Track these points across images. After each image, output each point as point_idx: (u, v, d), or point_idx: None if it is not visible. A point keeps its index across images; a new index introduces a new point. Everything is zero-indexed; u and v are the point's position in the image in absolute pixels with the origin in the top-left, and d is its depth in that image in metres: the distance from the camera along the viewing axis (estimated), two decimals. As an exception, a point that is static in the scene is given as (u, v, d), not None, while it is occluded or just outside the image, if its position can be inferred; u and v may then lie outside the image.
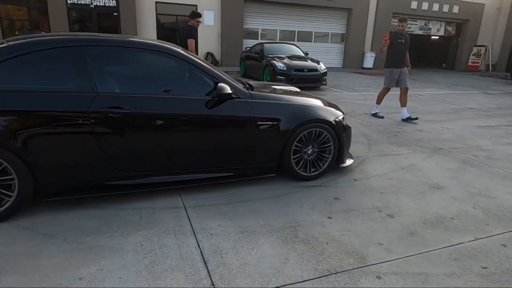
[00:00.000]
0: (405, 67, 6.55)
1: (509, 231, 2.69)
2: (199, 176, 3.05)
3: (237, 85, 3.13)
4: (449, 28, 21.66)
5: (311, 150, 3.44)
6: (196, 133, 2.94)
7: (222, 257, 2.23)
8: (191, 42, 6.04)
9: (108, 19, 14.05)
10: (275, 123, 3.17)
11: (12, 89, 2.44)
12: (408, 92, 6.71)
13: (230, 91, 2.91)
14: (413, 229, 2.67)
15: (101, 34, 2.89)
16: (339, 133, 3.49)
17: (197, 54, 6.06)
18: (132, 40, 2.87)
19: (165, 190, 3.06)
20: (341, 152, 3.59)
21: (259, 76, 11.30)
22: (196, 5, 15.18)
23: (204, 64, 3.04)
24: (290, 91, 3.96)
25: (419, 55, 21.04)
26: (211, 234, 2.48)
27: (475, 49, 21.19)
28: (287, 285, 2.01)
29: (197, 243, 2.36)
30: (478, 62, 21.08)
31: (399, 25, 6.42)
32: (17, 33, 12.42)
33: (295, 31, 17.56)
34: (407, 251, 2.37)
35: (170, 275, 2.05)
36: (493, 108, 8.53)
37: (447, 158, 4.40)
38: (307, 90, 9.83)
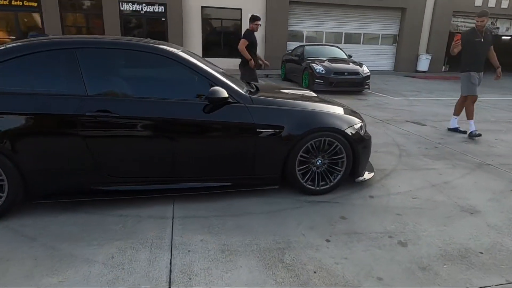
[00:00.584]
0: (483, 72, 5.49)
1: (556, 275, 2.14)
2: (192, 185, 2.87)
3: (237, 88, 2.91)
4: (521, 27, 19.36)
5: (320, 161, 3.10)
6: (190, 139, 2.77)
7: (190, 279, 2.01)
8: (242, 42, 5.91)
9: (156, 24, 14.63)
10: (277, 130, 2.89)
11: (3, 91, 2.47)
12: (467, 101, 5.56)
13: (224, 95, 2.70)
14: (426, 262, 2.23)
15: (94, 36, 2.86)
16: (354, 144, 3.10)
17: (252, 56, 5.92)
18: (124, 41, 2.79)
19: (158, 198, 2.93)
20: (356, 165, 3.20)
21: (298, 80, 10.97)
22: (241, 9, 15.24)
23: (201, 66, 2.86)
24: (304, 95, 3.63)
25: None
26: (189, 251, 2.28)
27: (552, 50, 18.69)
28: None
29: (170, 260, 2.18)
30: (556, 65, 18.54)
31: (477, 21, 5.32)
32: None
33: (342, 33, 16.87)
34: (412, 290, 1.97)
35: (128, 294, 1.88)
36: None
37: (492, 176, 3.76)
38: (347, 95, 9.36)
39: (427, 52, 17.50)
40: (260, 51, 15.95)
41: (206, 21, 15.16)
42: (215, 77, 2.84)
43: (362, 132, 3.24)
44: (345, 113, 3.27)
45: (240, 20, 15.40)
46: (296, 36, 16.38)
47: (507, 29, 19.24)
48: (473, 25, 5.54)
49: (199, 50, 15.29)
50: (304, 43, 15.41)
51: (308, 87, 9.92)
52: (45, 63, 2.56)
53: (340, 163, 3.13)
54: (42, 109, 2.49)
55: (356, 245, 2.39)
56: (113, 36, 3.23)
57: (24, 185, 2.55)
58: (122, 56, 2.75)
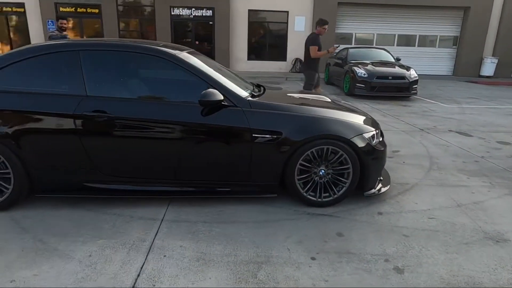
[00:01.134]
0: None
1: None
2: (185, 189, 2.83)
3: (235, 92, 2.81)
4: None
5: (323, 171, 2.88)
6: (184, 141, 2.73)
7: (154, 285, 1.95)
8: (313, 49, 5.88)
9: (204, 28, 15.06)
10: (275, 136, 2.74)
11: (13, 90, 2.64)
12: None
13: (218, 98, 2.61)
14: (421, 295, 1.94)
15: (98, 39, 2.94)
16: (362, 154, 2.83)
17: (316, 62, 5.96)
18: (124, 43, 2.84)
19: (155, 199, 2.94)
20: (365, 178, 2.92)
21: (340, 84, 10.56)
22: (287, 11, 15.12)
23: (199, 68, 2.80)
24: (315, 101, 3.41)
25: None
26: (164, 256, 2.23)
27: None
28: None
29: (143, 264, 2.14)
30: None
31: None
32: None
33: (394, 35, 15.93)
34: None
35: (90, 295, 1.88)
36: None
37: (537, 199, 3.22)
38: (391, 100, 8.78)
39: (493, 55, 15.84)
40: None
41: (252, 24, 15.27)
42: (212, 79, 2.77)
43: (374, 142, 2.95)
44: (357, 121, 3.00)
45: (287, 22, 15.28)
46: (345, 38, 15.82)
47: None
48: None
49: (244, 53, 15.46)
50: (353, 45, 14.86)
51: (349, 92, 9.50)
52: (51, 64, 2.70)
53: (346, 174, 2.88)
54: (44, 108, 2.61)
55: (343, 267, 2.16)
56: (116, 39, 3.31)
57: (28, 178, 2.70)
58: (122, 57, 2.79)
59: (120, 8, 14.62)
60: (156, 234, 2.48)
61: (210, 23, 14.83)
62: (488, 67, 15.67)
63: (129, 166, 2.75)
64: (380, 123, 6.24)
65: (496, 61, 15.52)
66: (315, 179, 2.89)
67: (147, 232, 2.50)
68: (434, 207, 3.00)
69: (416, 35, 16.03)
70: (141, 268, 2.10)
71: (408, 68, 9.43)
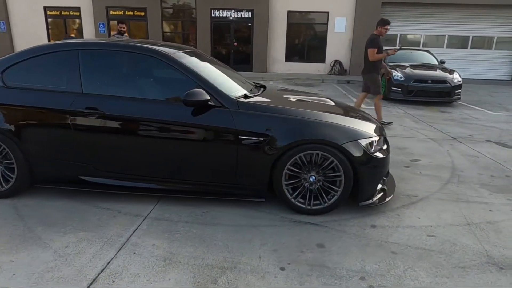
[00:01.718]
0: None
1: None
2: (172, 187, 2.84)
3: (224, 92, 2.76)
4: None
5: (313, 177, 2.73)
6: (172, 140, 2.74)
7: (113, 281, 1.96)
8: (371, 51, 5.67)
9: (243, 29, 15.18)
10: (262, 139, 2.64)
11: (18, 86, 2.83)
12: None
13: (202, 98, 2.58)
14: (388, 320, 1.74)
15: (96, 39, 3.05)
16: (356, 161, 2.64)
17: (377, 64, 5.78)
18: (121, 43, 2.91)
19: (147, 196, 2.97)
20: (360, 187, 2.73)
21: (376, 87, 10.05)
22: (328, 12, 14.75)
23: (190, 67, 2.78)
24: (313, 103, 3.24)
25: None
26: (134, 253, 2.24)
27: None
28: None
29: (111, 259, 2.17)
30: None
31: None
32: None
33: (444, 36, 14.87)
34: None
35: (51, 284, 1.93)
36: None
37: None
38: (431, 105, 8.21)
39: (561, 58, 14.19)
40: (345, 56, 15.25)
41: (291, 25, 15.11)
42: (201, 79, 2.74)
43: (372, 149, 2.74)
44: (355, 126, 2.80)
45: (327, 24, 14.92)
46: (389, 40, 15.03)
47: None
48: None
49: (282, 55, 15.36)
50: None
51: (384, 96, 9.01)
52: (52, 62, 2.85)
53: (338, 182, 2.70)
54: (44, 103, 2.76)
55: (311, 280, 2.02)
56: (114, 39, 3.40)
57: (29, 169, 2.87)
58: (117, 57, 2.87)
59: (164, 10, 15.24)
60: (135, 230, 2.51)
61: (249, 24, 14.93)
62: (554, 72, 14.06)
63: (120, 162, 2.82)
64: (409, 130, 5.86)
65: None
66: (305, 185, 2.75)
67: (127, 228, 2.54)
68: (438, 224, 2.72)
69: (469, 36, 14.83)
70: (108, 263, 2.13)
71: (451, 72, 8.74)
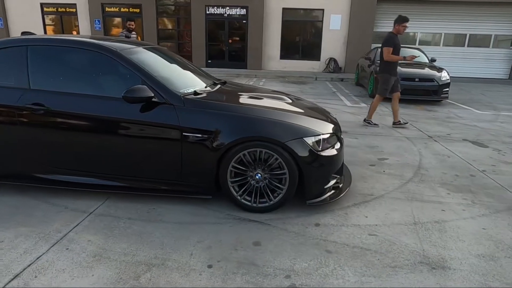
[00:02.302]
0: None
1: None
2: (118, 184, 2.84)
3: (170, 89, 2.74)
4: None
5: (259, 175, 2.71)
6: (117, 137, 2.73)
7: (35, 277, 1.97)
8: (386, 50, 5.48)
9: (238, 27, 15.13)
10: (206, 136, 2.64)
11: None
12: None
13: (144, 95, 2.57)
14: (300, 319, 1.73)
15: (46, 35, 3.05)
16: (300, 160, 2.62)
17: (396, 64, 5.60)
18: (70, 38, 2.91)
19: (98, 192, 2.98)
20: (306, 185, 2.71)
21: (366, 85, 9.99)
22: (323, 9, 14.65)
23: (137, 64, 2.77)
24: (269, 100, 3.22)
25: None
26: (67, 249, 2.24)
27: None
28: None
29: (41, 254, 2.17)
30: None
31: None
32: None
33: (441, 34, 14.71)
34: None
35: (-26, 280, 1.95)
36: None
37: (518, 224, 2.74)
38: (418, 104, 8.12)
39: (560, 57, 13.98)
40: (340, 53, 15.14)
41: (286, 22, 15.03)
42: (147, 75, 2.73)
43: (320, 147, 2.72)
44: (302, 124, 2.77)
45: (322, 21, 14.81)
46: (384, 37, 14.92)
47: None
48: None
49: (277, 52, 15.29)
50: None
51: (372, 94, 8.95)
52: (2, 58, 2.86)
53: (283, 180, 2.69)
54: (-7, 99, 2.78)
55: (235, 278, 2.01)
56: (63, 35, 3.39)
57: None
58: (66, 53, 2.86)
59: (159, 7, 15.24)
60: (75, 226, 2.52)
61: (244, 21, 14.88)
62: (552, 71, 13.86)
63: (67, 159, 2.82)
64: (387, 128, 5.81)
65: (562, 64, 13.69)
66: (251, 183, 2.74)
67: (69, 224, 2.55)
68: (384, 223, 2.69)
69: (466, 34, 14.65)
70: (37, 258, 2.14)
71: (439, 70, 8.64)
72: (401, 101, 8.40)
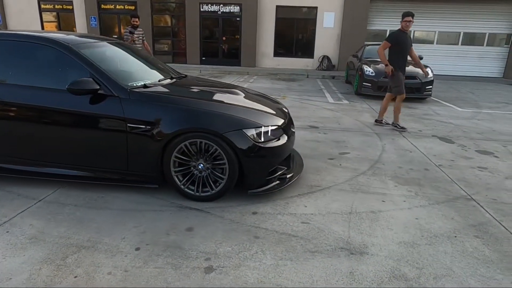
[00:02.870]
0: None
1: None
2: (67, 173, 2.96)
3: (116, 81, 2.85)
4: None
5: (202, 165, 2.83)
6: (62, 127, 2.85)
7: (-31, 256, 2.11)
8: (382, 44, 5.36)
9: (231, 24, 15.21)
10: (149, 127, 2.75)
11: None
12: None
13: (88, 87, 2.69)
14: (205, 296, 1.84)
15: (2, 30, 3.17)
16: (240, 151, 2.73)
17: (396, 62, 5.33)
18: (23, 33, 3.03)
19: (53, 181, 3.10)
20: (247, 175, 2.81)
21: (353, 82, 10.04)
22: (316, 7, 14.69)
23: (86, 58, 2.88)
24: (220, 93, 3.32)
25: None
26: (7, 232, 2.37)
27: None
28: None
29: (-18, 236, 2.32)
30: None
31: None
32: None
33: (434, 32, 14.67)
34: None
35: None
36: None
37: (453, 214, 2.82)
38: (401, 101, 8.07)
39: (554, 56, 13.89)
40: (333, 51, 15.18)
41: (280, 20, 15.08)
42: (94, 68, 2.84)
43: (260, 139, 2.82)
44: (244, 116, 2.88)
45: (315, 19, 14.85)
46: (378, 35, 14.94)
47: None
48: None
49: (271, 49, 15.36)
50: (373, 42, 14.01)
51: (357, 91, 9.02)
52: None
53: (224, 170, 2.79)
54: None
55: (157, 260, 2.12)
56: (21, 30, 3.51)
57: None
58: (18, 47, 2.98)
59: (154, 5, 15.36)
60: (22, 211, 2.65)
61: (237, 19, 14.96)
62: (546, 69, 13.79)
63: (21, 149, 2.95)
64: (359, 124, 5.89)
65: (556, 62, 13.61)
66: (195, 172, 2.85)
67: (17, 209, 2.68)
68: (320, 212, 2.79)
69: (460, 32, 14.61)
70: (-24, 240, 2.27)
71: (424, 67, 8.66)
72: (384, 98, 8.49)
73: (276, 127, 3.01)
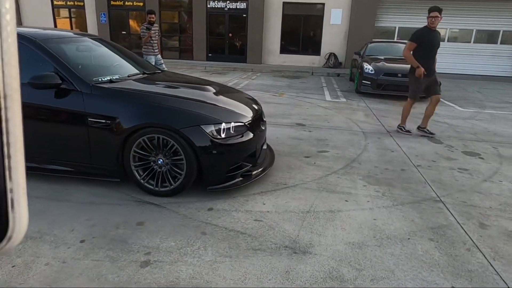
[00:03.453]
0: None
1: None
2: (33, 165, 3.03)
3: (79, 76, 2.90)
4: None
5: (162, 160, 2.85)
6: (31, 121, 2.91)
7: None
8: (407, 46, 4.83)
9: (238, 21, 15.20)
10: (109, 122, 2.78)
11: None
12: None
13: (50, 82, 2.73)
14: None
15: None
16: (197, 147, 2.73)
17: (425, 62, 4.71)
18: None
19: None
20: (205, 171, 2.82)
21: (355, 80, 9.89)
22: (324, 3, 14.49)
23: (52, 53, 2.94)
24: (188, 90, 3.32)
25: None
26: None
27: None
28: None
29: None
30: None
31: None
32: None
33: (446, 29, 14.26)
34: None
35: None
36: None
37: (414, 216, 2.75)
38: (401, 100, 7.94)
39: None
40: (340, 48, 14.96)
41: (286, 17, 14.97)
42: (59, 63, 2.89)
43: (219, 135, 2.81)
44: (204, 112, 2.88)
45: (322, 15, 14.67)
46: (387, 32, 14.66)
47: None
48: None
49: (277, 46, 15.28)
50: (396, 40, 13.75)
51: (357, 89, 8.87)
52: None
53: (182, 165, 2.81)
54: None
55: (97, 253, 2.15)
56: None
57: None
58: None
59: (162, 1, 15.49)
60: (-15, 202, 2.73)
61: (244, 15, 14.93)
62: None
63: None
64: (350, 123, 5.81)
65: None
66: (154, 167, 2.88)
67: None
68: (277, 210, 2.77)
69: (472, 30, 14.15)
70: None
71: (426, 66, 8.44)
72: (384, 96, 8.34)
73: (240, 124, 3.00)
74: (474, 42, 14.31)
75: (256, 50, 15.15)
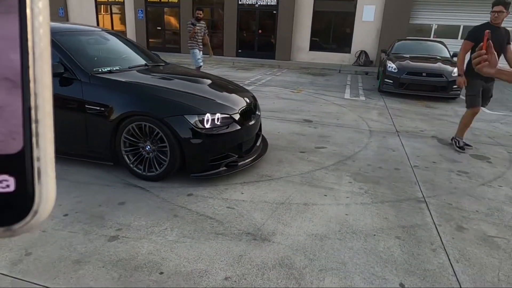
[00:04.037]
0: None
1: None
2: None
3: (80, 66, 3.15)
4: None
5: (149, 147, 3.04)
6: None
7: None
8: (463, 44, 4.32)
9: (268, 17, 15.25)
10: (103, 109, 3.02)
11: None
12: None
13: (55, 71, 3.01)
14: (78, 258, 2.05)
15: None
16: (180, 135, 2.89)
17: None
18: None
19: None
20: (188, 159, 2.97)
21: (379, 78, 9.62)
22: (356, 0, 14.16)
23: (58, 44, 3.22)
24: (183, 82, 3.49)
25: None
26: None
27: None
28: None
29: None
30: None
31: None
32: None
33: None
34: None
35: None
36: None
37: (387, 213, 2.72)
38: (424, 100, 7.67)
39: None
40: (372, 46, 14.53)
41: (317, 13, 14.79)
42: (63, 53, 3.17)
43: (203, 126, 2.95)
44: (190, 103, 3.02)
45: (354, 12, 14.33)
46: (422, 30, 14.03)
47: None
48: None
49: (307, 43, 15.16)
50: (432, 38, 13.15)
51: (379, 88, 8.64)
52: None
53: (166, 152, 2.98)
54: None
55: (75, 225, 2.38)
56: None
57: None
58: None
59: (196, -2, 15.93)
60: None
61: (274, 12, 14.96)
62: None
63: None
64: (360, 121, 5.72)
65: None
66: (143, 153, 3.08)
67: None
68: (253, 200, 2.86)
69: (518, 28, 13.15)
70: None
71: (454, 65, 8.04)
72: (406, 96, 8.05)
73: (226, 115, 3.12)
74: (519, 41, 13.30)
75: (286, 47, 15.13)
